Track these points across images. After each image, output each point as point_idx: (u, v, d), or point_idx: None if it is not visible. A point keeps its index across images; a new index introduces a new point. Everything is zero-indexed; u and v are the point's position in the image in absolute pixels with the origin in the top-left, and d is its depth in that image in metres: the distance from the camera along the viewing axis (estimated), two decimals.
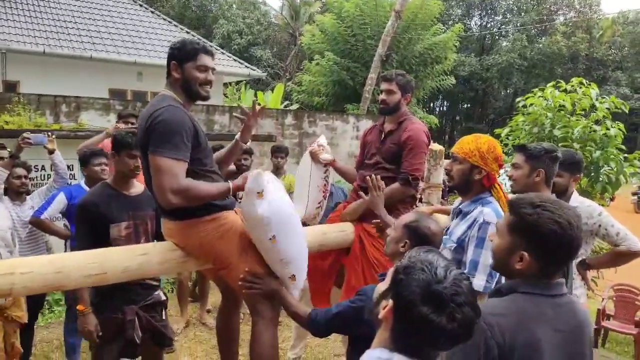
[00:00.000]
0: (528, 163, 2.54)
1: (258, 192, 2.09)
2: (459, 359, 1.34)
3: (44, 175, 5.70)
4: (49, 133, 3.97)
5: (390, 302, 1.15)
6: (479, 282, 2.07)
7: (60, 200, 3.59)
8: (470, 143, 2.26)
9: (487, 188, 2.27)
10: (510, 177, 2.65)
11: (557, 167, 2.61)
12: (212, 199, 2.16)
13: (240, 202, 2.41)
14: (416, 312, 1.08)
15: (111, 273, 2.02)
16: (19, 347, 3.03)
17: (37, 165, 5.67)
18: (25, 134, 3.68)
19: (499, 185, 2.30)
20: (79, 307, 2.57)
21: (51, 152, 3.88)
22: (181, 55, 2.20)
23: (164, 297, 2.87)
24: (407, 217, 2.09)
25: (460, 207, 2.32)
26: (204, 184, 2.13)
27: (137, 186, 2.78)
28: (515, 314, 1.38)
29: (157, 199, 2.06)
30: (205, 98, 2.27)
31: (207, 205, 2.15)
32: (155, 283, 2.83)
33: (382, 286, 1.23)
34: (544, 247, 1.40)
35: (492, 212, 2.15)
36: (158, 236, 2.74)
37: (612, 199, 7.15)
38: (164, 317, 2.86)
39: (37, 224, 3.62)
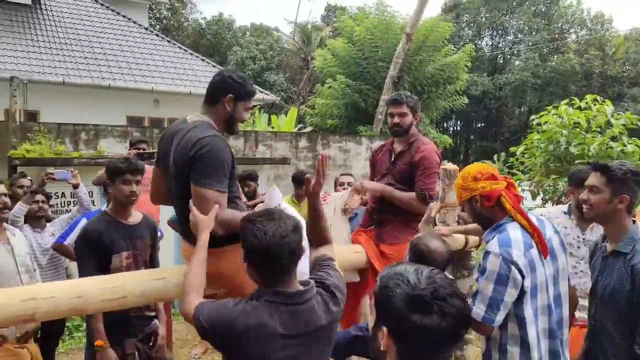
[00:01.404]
0: (609, 187, 2.19)
1: (276, 206, 2.18)
2: None
3: (65, 202, 5.81)
4: (72, 169, 4.09)
5: (384, 329, 1.13)
6: (477, 311, 2.02)
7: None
8: (455, 190, 2.33)
9: (495, 209, 2.15)
10: (584, 202, 2.30)
11: None
12: None
13: None
14: (407, 324, 1.07)
15: (130, 297, 2.04)
16: None
17: (57, 193, 5.79)
18: (49, 170, 3.78)
19: (505, 197, 2.14)
20: (98, 342, 2.55)
21: (76, 186, 3.99)
22: (240, 92, 2.18)
23: (158, 326, 2.88)
24: (418, 234, 2.11)
25: (483, 236, 2.28)
26: (239, 214, 2.14)
27: (135, 215, 2.81)
28: (240, 317, 1.58)
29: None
30: (234, 134, 2.35)
31: (228, 236, 2.11)
32: (152, 314, 2.85)
33: (371, 320, 1.22)
34: (250, 257, 1.64)
35: (494, 241, 2.07)
36: (152, 265, 2.81)
37: (633, 216, 7.01)
38: (158, 344, 2.85)
39: (60, 249, 3.69)
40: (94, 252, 2.58)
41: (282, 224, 1.60)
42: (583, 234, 3.08)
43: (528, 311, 2.05)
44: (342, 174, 4.95)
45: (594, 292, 2.34)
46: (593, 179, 2.26)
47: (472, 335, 2.78)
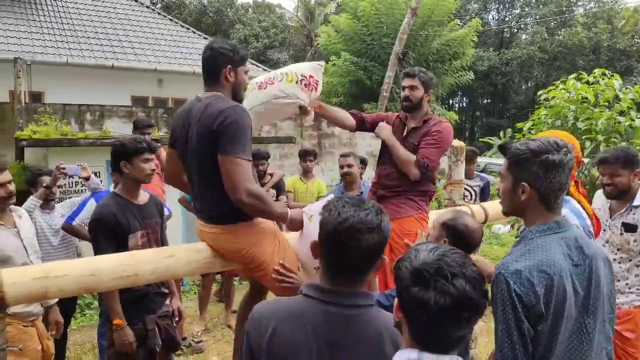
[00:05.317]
0: (510, 172, 1.62)
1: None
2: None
3: (72, 182, 5.84)
4: (81, 163, 4.13)
5: (396, 300, 1.16)
6: None
7: (92, 206, 3.69)
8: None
9: None
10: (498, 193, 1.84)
11: (562, 175, 1.55)
12: (269, 218, 2.21)
13: None
14: (408, 296, 1.09)
15: (142, 275, 2.08)
16: (51, 349, 3.10)
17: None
18: (60, 165, 3.80)
19: (575, 181, 2.26)
20: (116, 321, 2.58)
21: (87, 179, 4.04)
22: (236, 59, 2.21)
23: (172, 307, 2.95)
24: (445, 215, 2.10)
25: None
26: (272, 202, 2.16)
27: (143, 195, 2.85)
28: (276, 316, 1.33)
29: (230, 196, 2.04)
30: (241, 102, 2.28)
31: (237, 214, 2.12)
32: (167, 291, 2.92)
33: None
34: (319, 237, 1.37)
35: (569, 214, 2.15)
36: (162, 243, 2.84)
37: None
38: (174, 325, 2.94)
39: (70, 230, 3.74)
40: (111, 234, 2.58)
41: (365, 214, 1.28)
42: (612, 219, 3.04)
43: None
44: (340, 155, 4.59)
45: None
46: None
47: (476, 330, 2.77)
